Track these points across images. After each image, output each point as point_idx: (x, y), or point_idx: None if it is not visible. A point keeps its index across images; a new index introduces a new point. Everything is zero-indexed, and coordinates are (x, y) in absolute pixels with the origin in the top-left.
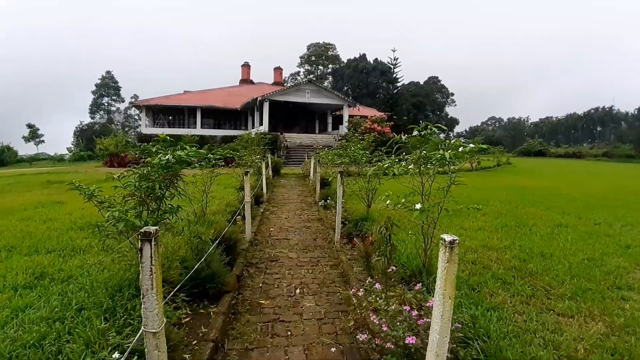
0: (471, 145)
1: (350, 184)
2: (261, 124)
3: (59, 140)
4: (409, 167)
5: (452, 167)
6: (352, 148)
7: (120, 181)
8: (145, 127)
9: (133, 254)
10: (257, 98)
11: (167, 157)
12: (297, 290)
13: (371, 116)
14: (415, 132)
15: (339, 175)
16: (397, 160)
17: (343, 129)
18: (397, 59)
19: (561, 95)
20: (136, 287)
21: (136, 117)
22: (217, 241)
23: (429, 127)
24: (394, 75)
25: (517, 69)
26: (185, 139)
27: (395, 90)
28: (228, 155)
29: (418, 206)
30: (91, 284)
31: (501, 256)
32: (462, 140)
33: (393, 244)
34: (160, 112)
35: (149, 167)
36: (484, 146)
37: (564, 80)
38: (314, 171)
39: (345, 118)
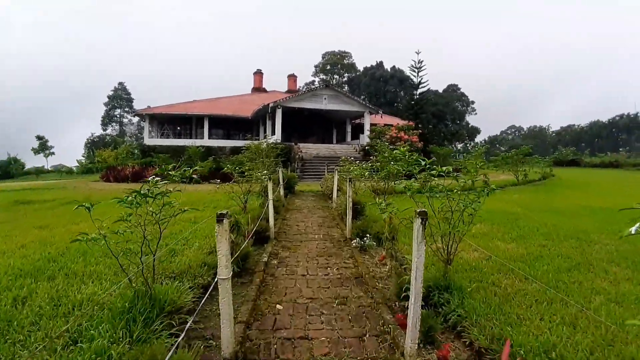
0: None
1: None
2: (273, 133)
3: (70, 152)
4: None
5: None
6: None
7: None
8: (149, 138)
9: None
10: (268, 104)
11: None
12: None
13: (396, 124)
14: None
15: (418, 220)
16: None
17: (364, 138)
18: (422, 61)
19: (583, 103)
20: None
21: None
22: None
23: None
24: (419, 80)
25: (537, 76)
26: (190, 151)
27: (420, 96)
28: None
29: None
30: None
31: None
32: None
33: None
34: (166, 122)
35: None
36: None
37: (586, 87)
38: (337, 189)
39: (367, 126)
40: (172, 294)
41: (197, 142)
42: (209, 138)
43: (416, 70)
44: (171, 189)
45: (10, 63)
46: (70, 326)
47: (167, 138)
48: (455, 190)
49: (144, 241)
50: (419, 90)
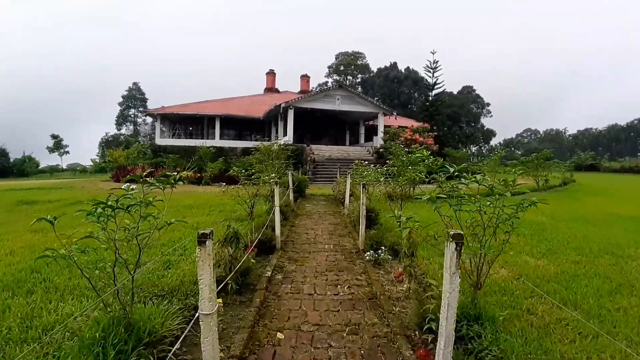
0: None
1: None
2: (285, 134)
3: (87, 151)
4: None
5: None
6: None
7: None
8: (160, 138)
9: None
10: (280, 105)
11: None
12: None
13: (410, 126)
14: None
15: (451, 245)
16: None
17: (378, 140)
18: (437, 61)
19: (601, 106)
20: None
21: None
22: None
23: None
24: (434, 80)
25: (553, 78)
26: (201, 151)
27: (436, 97)
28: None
29: None
30: None
31: None
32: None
33: None
34: (178, 122)
35: None
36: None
37: (603, 90)
38: (350, 194)
39: (381, 128)
40: (155, 319)
41: (209, 143)
42: (221, 138)
43: (431, 70)
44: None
45: (28, 62)
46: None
47: (179, 138)
48: (484, 201)
49: (117, 261)
50: (434, 91)
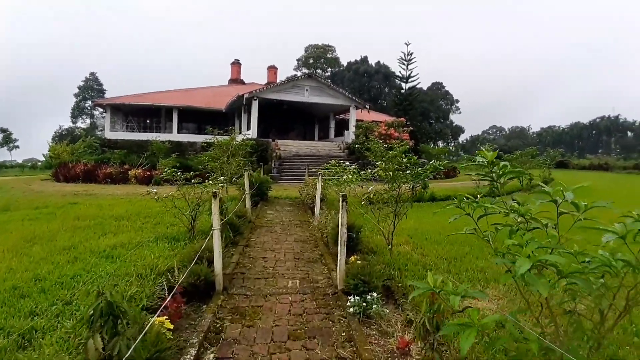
0: None
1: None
2: (248, 128)
3: (42, 146)
4: None
5: None
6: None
7: None
8: (111, 131)
9: None
10: (243, 95)
11: None
12: None
13: (384, 121)
14: None
15: None
16: None
17: (349, 135)
18: (412, 53)
19: (565, 105)
20: None
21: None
22: None
23: None
24: (408, 73)
25: (519, 78)
26: (154, 146)
27: (410, 91)
28: None
29: None
30: None
31: None
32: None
33: None
34: (132, 114)
35: None
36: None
37: (567, 90)
38: (321, 198)
39: (353, 122)
40: None
41: (165, 137)
42: (179, 132)
43: (405, 62)
44: None
45: None
46: None
47: (132, 131)
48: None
49: None
50: (408, 84)
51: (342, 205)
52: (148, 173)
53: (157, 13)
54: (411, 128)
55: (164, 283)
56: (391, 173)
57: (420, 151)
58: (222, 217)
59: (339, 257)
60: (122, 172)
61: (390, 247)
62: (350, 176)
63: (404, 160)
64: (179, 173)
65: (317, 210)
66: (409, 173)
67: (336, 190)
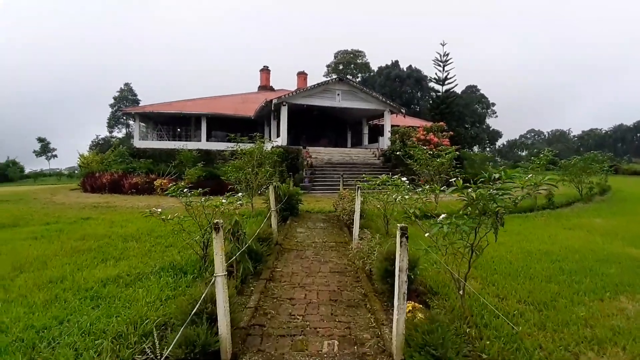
0: None
1: None
2: (278, 135)
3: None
4: None
5: None
6: None
7: None
8: (139, 140)
9: None
10: (271, 101)
11: None
12: None
13: (421, 125)
14: None
15: None
16: None
17: (384, 141)
18: (448, 54)
19: (606, 106)
20: None
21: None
22: None
23: None
24: (445, 75)
25: (556, 79)
26: (182, 155)
27: (447, 93)
28: None
29: None
30: None
31: None
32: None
33: None
34: (162, 123)
35: None
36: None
37: (609, 90)
38: (359, 215)
39: (388, 128)
40: None
41: (194, 145)
42: (207, 140)
43: (441, 64)
44: None
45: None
46: None
47: (161, 140)
48: None
49: None
50: (445, 87)
51: (402, 242)
52: (173, 183)
53: (191, 26)
54: (451, 133)
55: (147, 349)
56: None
57: (462, 158)
58: (238, 245)
59: (395, 316)
60: (148, 182)
61: (461, 293)
62: (402, 193)
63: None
64: (185, 190)
65: (355, 231)
66: (499, 194)
67: (378, 207)
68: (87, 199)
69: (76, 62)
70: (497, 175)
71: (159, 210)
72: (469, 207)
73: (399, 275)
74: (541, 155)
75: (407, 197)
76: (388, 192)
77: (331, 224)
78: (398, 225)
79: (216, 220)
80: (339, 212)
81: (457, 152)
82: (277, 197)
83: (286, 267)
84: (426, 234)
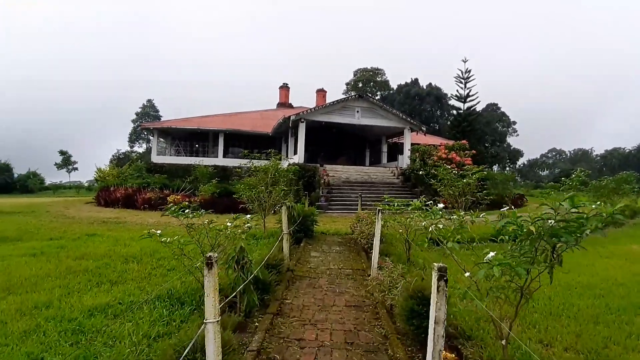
0: None
1: None
2: (295, 152)
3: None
4: None
5: None
6: None
7: None
8: (157, 155)
9: None
10: (289, 117)
11: None
12: None
13: (441, 144)
14: None
15: None
16: None
17: (404, 160)
18: (470, 70)
19: (629, 124)
20: None
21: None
22: None
23: None
24: (467, 92)
25: (576, 97)
26: (198, 171)
27: (469, 111)
28: None
29: None
30: None
31: None
32: None
33: None
34: (180, 138)
35: None
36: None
37: (632, 107)
38: (379, 238)
39: (407, 146)
40: None
41: (210, 161)
42: (224, 156)
43: (463, 80)
44: None
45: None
46: None
47: (179, 155)
48: None
49: None
50: (467, 104)
51: (439, 286)
52: (187, 199)
53: (209, 43)
54: (474, 151)
55: None
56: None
57: (485, 178)
58: (243, 275)
59: None
60: (162, 197)
61: (503, 343)
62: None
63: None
64: (184, 211)
65: (375, 258)
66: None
67: (400, 231)
68: (98, 213)
69: (101, 77)
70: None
71: (159, 231)
72: (524, 242)
73: (434, 329)
74: (573, 176)
75: (441, 226)
76: (412, 216)
77: (348, 247)
78: (435, 265)
79: (209, 254)
80: (356, 235)
81: (485, 172)
82: (291, 218)
83: (297, 298)
84: (466, 274)
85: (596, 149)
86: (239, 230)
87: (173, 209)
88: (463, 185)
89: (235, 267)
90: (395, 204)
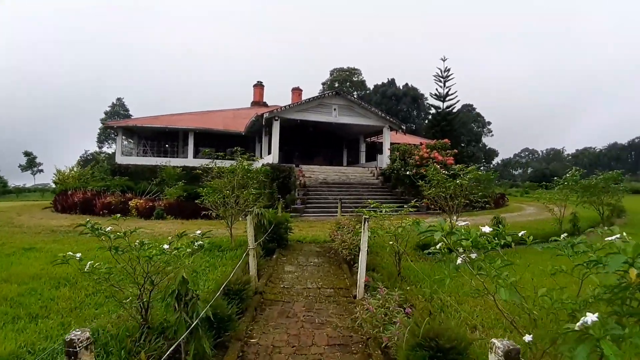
0: None
1: None
2: (269, 152)
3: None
4: None
5: None
6: None
7: None
8: (122, 156)
9: None
10: (262, 115)
11: None
12: None
13: (422, 143)
14: None
15: None
16: None
17: (383, 159)
18: (449, 69)
19: (599, 125)
20: None
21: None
22: None
23: None
24: (446, 91)
25: (549, 99)
26: (165, 172)
27: (448, 110)
28: None
29: None
30: None
31: None
32: None
33: None
34: (148, 138)
35: None
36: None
37: (603, 108)
38: (366, 251)
39: (387, 145)
40: None
41: (179, 162)
42: (194, 157)
43: (442, 79)
44: None
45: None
46: None
47: (145, 156)
48: None
49: None
50: (446, 103)
51: None
52: (150, 204)
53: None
54: (455, 151)
55: None
56: None
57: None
58: (186, 316)
59: None
60: (123, 201)
61: None
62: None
63: None
64: (106, 230)
65: (361, 277)
66: None
67: (391, 243)
68: (51, 220)
69: (69, 77)
70: None
71: (78, 255)
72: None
73: None
74: (567, 175)
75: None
76: (402, 223)
77: (327, 259)
78: (496, 342)
79: (71, 337)
80: (336, 244)
81: (479, 172)
82: (261, 227)
83: (265, 334)
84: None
85: (567, 148)
86: (183, 252)
87: (89, 226)
88: (455, 186)
89: (176, 305)
90: (384, 210)
